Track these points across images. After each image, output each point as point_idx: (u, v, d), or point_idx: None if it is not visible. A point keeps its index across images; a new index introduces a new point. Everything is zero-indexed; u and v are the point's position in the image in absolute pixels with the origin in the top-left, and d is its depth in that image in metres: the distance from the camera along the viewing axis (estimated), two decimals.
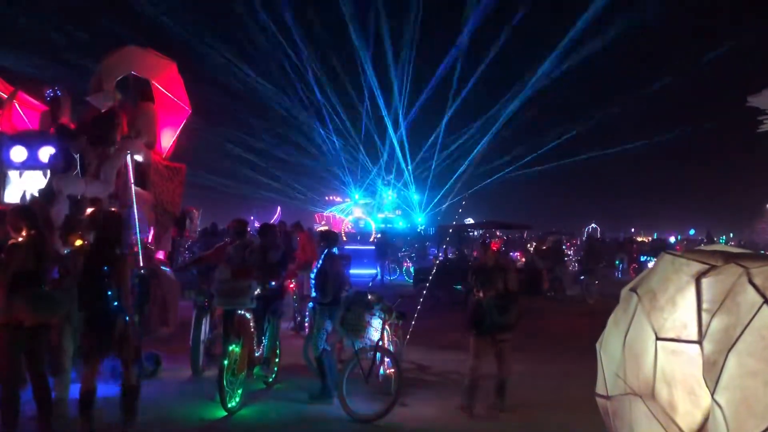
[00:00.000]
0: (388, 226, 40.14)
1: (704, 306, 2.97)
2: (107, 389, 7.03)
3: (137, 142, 9.48)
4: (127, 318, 5.50)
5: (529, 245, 26.52)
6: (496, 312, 6.71)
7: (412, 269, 21.96)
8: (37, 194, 8.17)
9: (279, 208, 37.95)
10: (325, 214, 42.75)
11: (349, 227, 38.10)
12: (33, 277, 5.37)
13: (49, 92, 9.52)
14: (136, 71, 10.11)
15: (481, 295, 6.85)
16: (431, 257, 22.72)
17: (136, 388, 5.74)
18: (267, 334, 7.34)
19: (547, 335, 11.80)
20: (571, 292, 17.94)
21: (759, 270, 2.81)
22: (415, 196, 46.09)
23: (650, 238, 34.88)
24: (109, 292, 5.38)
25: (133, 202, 8.62)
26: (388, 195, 45.55)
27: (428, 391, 7.50)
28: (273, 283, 7.40)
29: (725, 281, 2.92)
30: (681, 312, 3.10)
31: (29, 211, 5.82)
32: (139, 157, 9.43)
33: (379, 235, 29.38)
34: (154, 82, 10.53)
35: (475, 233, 26.27)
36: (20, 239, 5.50)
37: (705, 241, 27.62)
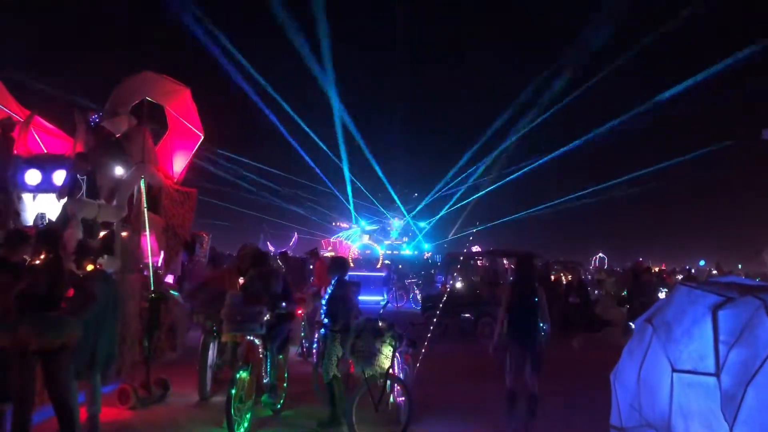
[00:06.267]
0: (395, 252, 40.13)
1: (721, 338, 2.97)
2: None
3: (150, 167, 9.58)
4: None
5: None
6: None
7: (419, 296, 21.90)
8: (53, 218, 8.26)
9: (296, 234, 37.78)
10: (331, 240, 42.81)
11: (356, 253, 38.12)
12: (44, 301, 5.36)
13: (94, 117, 9.75)
14: (150, 97, 10.25)
15: None
16: (438, 285, 22.63)
17: None
18: (269, 360, 7.28)
19: (556, 366, 11.70)
20: None
21: None
22: (422, 224, 46.14)
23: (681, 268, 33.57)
24: None
25: (146, 227, 8.68)
26: (395, 222, 45.64)
27: (438, 419, 7.43)
28: (283, 305, 7.38)
29: (742, 313, 2.92)
30: (698, 344, 3.10)
31: (50, 234, 5.87)
32: (151, 182, 9.53)
33: (387, 262, 29.34)
34: (167, 107, 10.67)
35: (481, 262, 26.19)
36: (36, 262, 5.53)
37: (716, 271, 27.33)
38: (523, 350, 6.86)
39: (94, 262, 6.35)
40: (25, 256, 5.76)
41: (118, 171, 9.42)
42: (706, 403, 2.96)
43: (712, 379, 2.94)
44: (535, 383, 6.81)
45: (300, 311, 11.04)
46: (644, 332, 3.61)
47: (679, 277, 23.96)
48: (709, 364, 2.99)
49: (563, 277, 19.44)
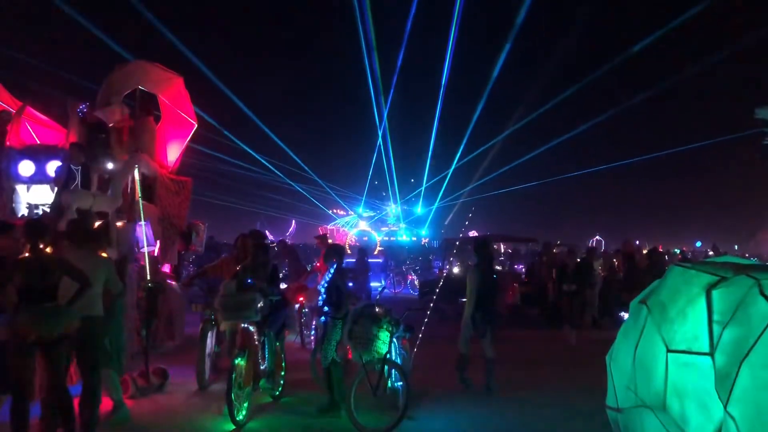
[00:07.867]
0: (392, 239, 40.18)
1: (715, 318, 2.98)
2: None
3: (144, 156, 9.54)
4: None
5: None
6: None
7: (416, 282, 21.95)
8: (47, 209, 8.24)
9: (294, 221, 37.70)
10: (329, 227, 42.83)
11: (353, 240, 38.17)
12: (40, 292, 5.35)
13: (82, 107, 9.74)
14: (143, 85, 10.20)
15: None
16: (435, 270, 22.68)
17: None
18: (267, 347, 7.30)
19: (553, 349, 11.76)
20: None
21: None
22: (418, 209, 46.17)
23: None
24: None
25: (141, 216, 8.66)
26: (392, 208, 45.65)
27: (436, 404, 7.48)
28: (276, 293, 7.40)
29: (736, 293, 2.93)
30: (692, 324, 3.11)
31: (38, 225, 5.84)
32: (146, 171, 9.50)
33: (382, 248, 29.37)
34: (160, 96, 10.61)
35: None
36: (27, 254, 5.51)
37: (712, 253, 27.40)
38: (485, 323, 8.09)
39: (102, 249, 6.37)
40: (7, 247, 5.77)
41: (106, 162, 9.40)
42: (700, 382, 2.98)
43: (707, 359, 2.95)
44: (492, 350, 8.06)
45: (301, 299, 11.06)
46: (639, 313, 3.63)
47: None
48: (704, 344, 3.00)
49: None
